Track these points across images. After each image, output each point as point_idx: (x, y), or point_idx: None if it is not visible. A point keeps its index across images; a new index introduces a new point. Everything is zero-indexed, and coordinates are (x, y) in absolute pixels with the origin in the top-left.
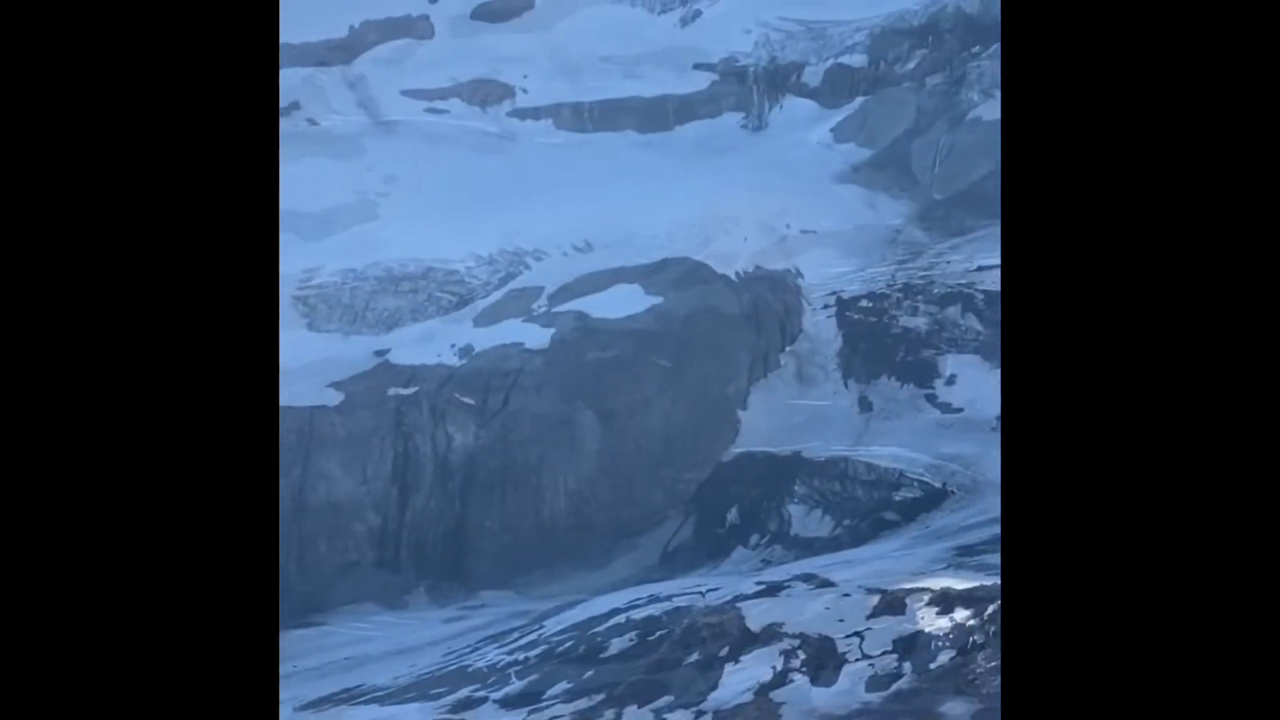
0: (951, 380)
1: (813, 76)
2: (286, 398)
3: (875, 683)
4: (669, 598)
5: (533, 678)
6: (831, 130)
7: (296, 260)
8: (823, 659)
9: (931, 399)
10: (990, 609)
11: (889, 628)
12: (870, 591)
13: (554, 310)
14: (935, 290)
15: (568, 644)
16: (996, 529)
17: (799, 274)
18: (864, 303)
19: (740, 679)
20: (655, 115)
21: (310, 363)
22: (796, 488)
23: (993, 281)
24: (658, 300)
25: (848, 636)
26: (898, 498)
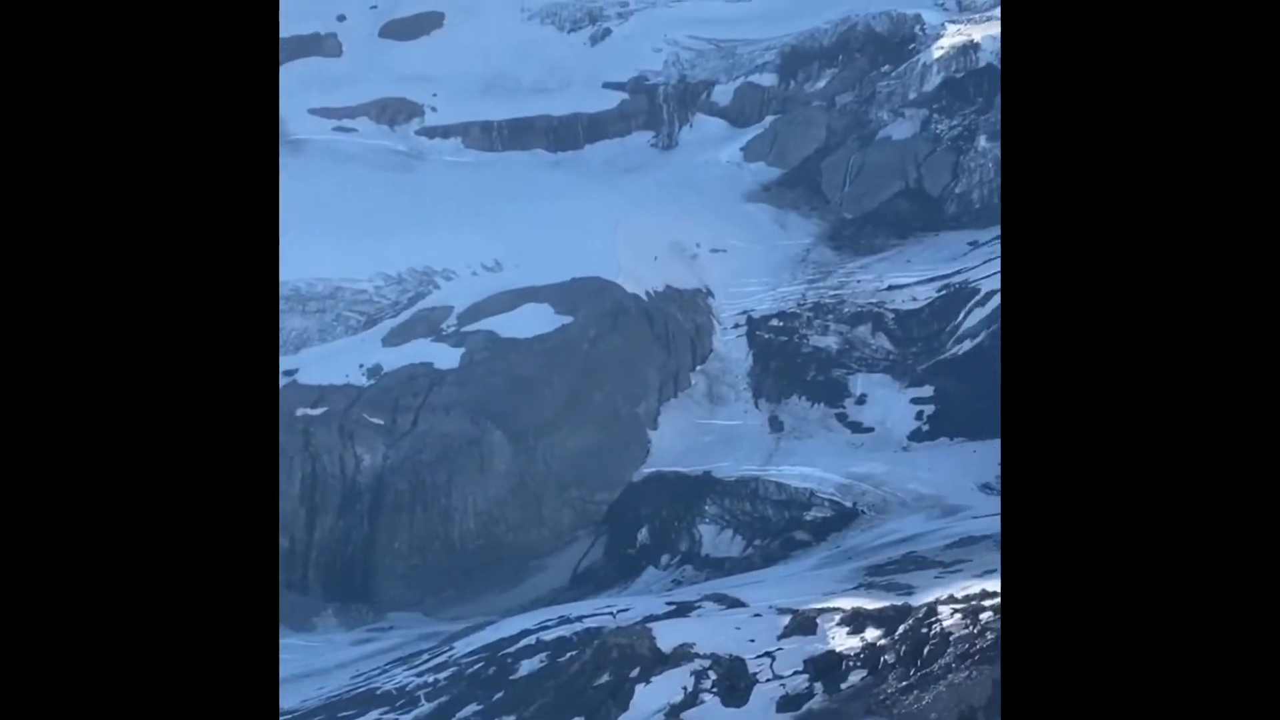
0: (862, 400)
1: (723, 95)
2: None
3: (786, 703)
4: (579, 619)
5: (442, 699)
6: (741, 149)
7: None
8: (734, 679)
9: (842, 418)
10: (902, 628)
11: (800, 647)
12: (781, 611)
13: (463, 330)
14: (845, 309)
15: (477, 665)
16: (907, 548)
17: (709, 293)
18: (774, 322)
19: (651, 699)
20: (565, 134)
21: None
22: (707, 507)
23: (903, 300)
24: (567, 320)
25: (759, 656)
26: (808, 517)
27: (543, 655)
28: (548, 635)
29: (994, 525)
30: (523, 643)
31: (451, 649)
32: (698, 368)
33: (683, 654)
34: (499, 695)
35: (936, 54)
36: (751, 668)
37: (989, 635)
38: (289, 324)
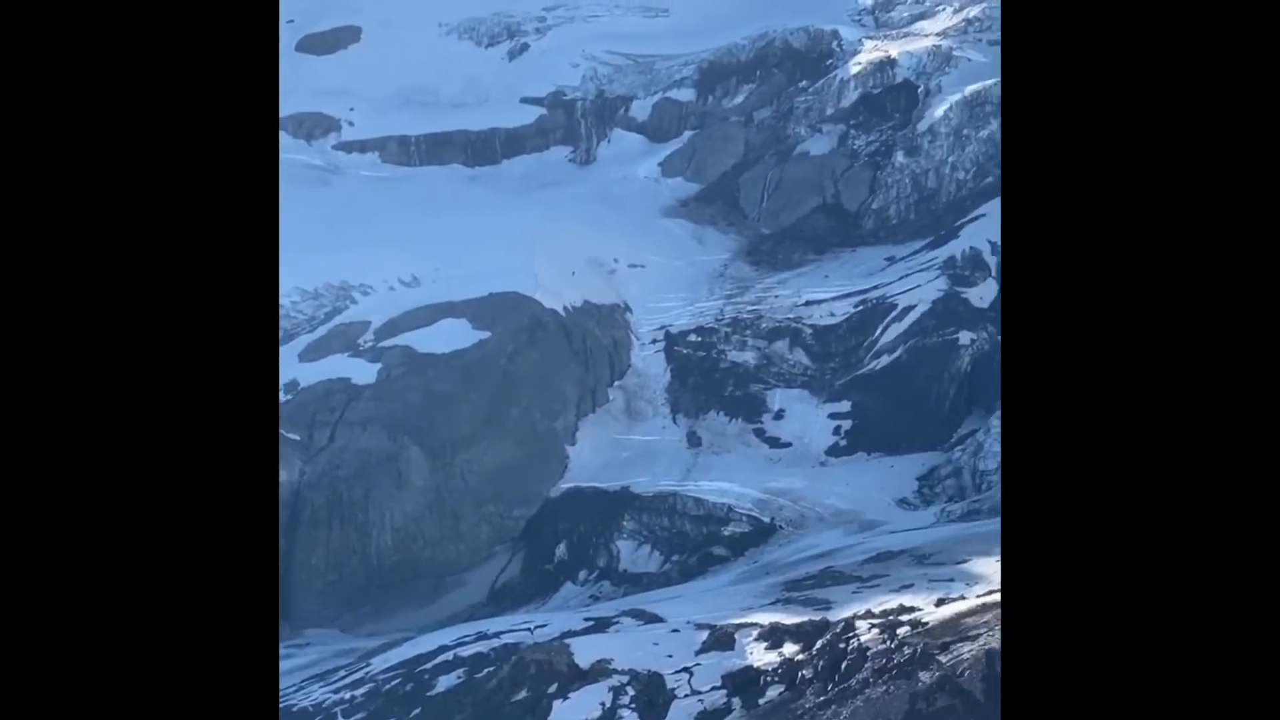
0: (779, 415)
1: (640, 110)
2: None
3: (704, 718)
4: (497, 635)
5: (360, 716)
6: (659, 164)
7: None
8: (652, 695)
9: (760, 433)
10: (819, 643)
11: (718, 663)
12: (699, 627)
13: (380, 345)
14: (763, 325)
15: (395, 682)
16: (825, 563)
17: (627, 308)
18: (692, 337)
19: (569, 716)
20: (482, 149)
21: None
22: (625, 523)
23: (820, 315)
24: (485, 335)
25: (676, 672)
26: (726, 532)
27: (460, 671)
28: (465, 651)
29: (911, 540)
30: (440, 659)
31: (368, 665)
32: (616, 383)
33: (601, 670)
34: (416, 712)
35: (854, 70)
36: (669, 683)
37: (906, 650)
38: None
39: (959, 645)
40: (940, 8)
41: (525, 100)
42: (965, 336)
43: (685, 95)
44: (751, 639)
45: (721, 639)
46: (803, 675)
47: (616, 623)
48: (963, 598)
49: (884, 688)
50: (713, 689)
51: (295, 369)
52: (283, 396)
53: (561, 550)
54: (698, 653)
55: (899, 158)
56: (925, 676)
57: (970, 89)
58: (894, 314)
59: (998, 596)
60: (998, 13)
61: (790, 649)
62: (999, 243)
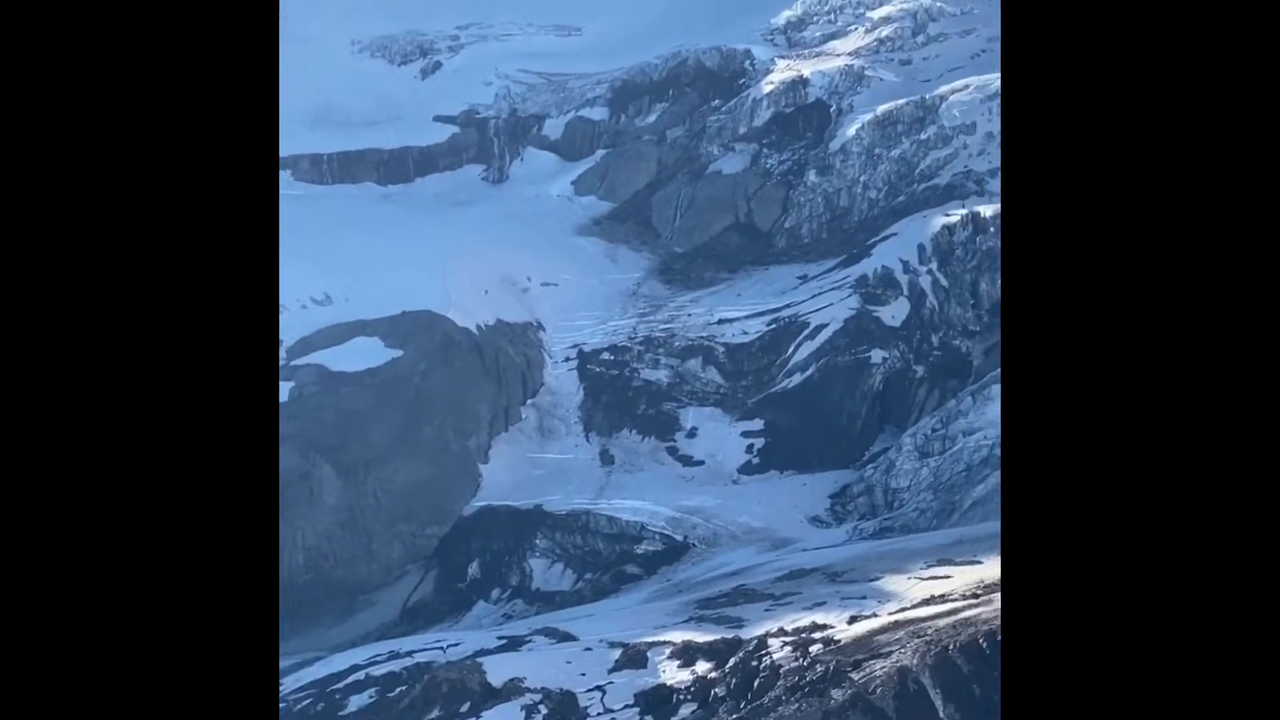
0: (692, 433)
1: (553, 129)
2: None
3: None
4: (410, 654)
5: None
6: (572, 183)
7: None
8: (565, 713)
9: (672, 451)
10: (732, 661)
11: (630, 681)
12: (612, 645)
13: (292, 363)
14: (676, 343)
15: (306, 702)
16: (737, 581)
17: (540, 326)
18: (605, 355)
19: None
20: (395, 167)
21: None
22: (538, 541)
23: (733, 333)
24: (397, 353)
25: (589, 690)
26: (639, 551)
27: (372, 691)
28: (377, 670)
29: (824, 558)
30: (352, 678)
31: (280, 685)
32: (528, 401)
33: (513, 688)
34: None
35: (766, 89)
36: (582, 701)
37: (818, 668)
38: None
39: (871, 663)
40: (852, 28)
41: (438, 118)
42: (877, 355)
43: (598, 114)
44: (664, 657)
45: (634, 657)
46: (715, 693)
47: (529, 641)
48: (875, 615)
49: (796, 705)
50: (625, 707)
51: None
52: None
53: (474, 569)
54: (610, 671)
55: (811, 176)
56: (838, 694)
57: (882, 108)
58: (806, 332)
59: (910, 614)
60: (909, 32)
61: (703, 667)
62: (910, 261)
